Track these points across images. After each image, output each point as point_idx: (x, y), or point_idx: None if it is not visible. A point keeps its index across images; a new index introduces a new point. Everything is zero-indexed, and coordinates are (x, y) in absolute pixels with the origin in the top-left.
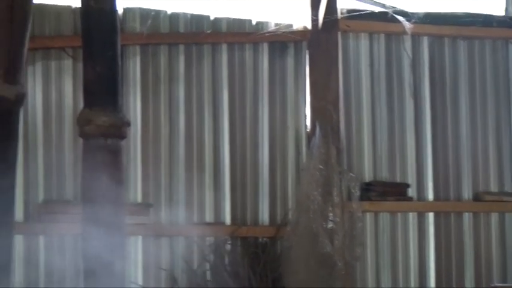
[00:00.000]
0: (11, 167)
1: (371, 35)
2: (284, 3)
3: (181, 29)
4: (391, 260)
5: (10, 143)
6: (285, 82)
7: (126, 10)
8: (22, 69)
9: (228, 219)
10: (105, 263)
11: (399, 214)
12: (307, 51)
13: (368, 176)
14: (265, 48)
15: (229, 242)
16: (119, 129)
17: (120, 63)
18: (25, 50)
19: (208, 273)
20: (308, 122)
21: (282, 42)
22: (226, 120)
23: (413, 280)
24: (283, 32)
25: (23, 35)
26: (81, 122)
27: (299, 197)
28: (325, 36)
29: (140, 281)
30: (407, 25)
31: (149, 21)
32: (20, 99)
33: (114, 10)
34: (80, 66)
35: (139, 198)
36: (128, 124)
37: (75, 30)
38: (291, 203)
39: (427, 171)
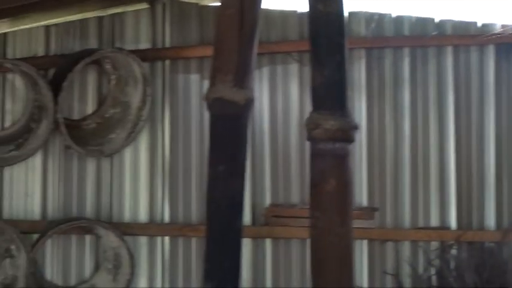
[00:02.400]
0: (240, 170)
1: None
2: (511, 4)
3: (406, 32)
4: None
5: (240, 147)
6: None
7: (351, 14)
8: (251, 74)
9: (453, 224)
10: (333, 269)
11: None
12: None
13: None
14: (491, 50)
15: (454, 247)
16: (347, 133)
17: (347, 67)
18: (254, 55)
19: (433, 278)
20: None
21: (508, 43)
22: (451, 123)
23: None
24: (510, 34)
25: (251, 40)
26: (309, 126)
27: None
28: None
29: (365, 284)
30: None
31: (374, 25)
32: (248, 103)
33: (341, 14)
34: (306, 70)
35: (364, 202)
36: (356, 128)
37: (300, 35)
38: None
39: None
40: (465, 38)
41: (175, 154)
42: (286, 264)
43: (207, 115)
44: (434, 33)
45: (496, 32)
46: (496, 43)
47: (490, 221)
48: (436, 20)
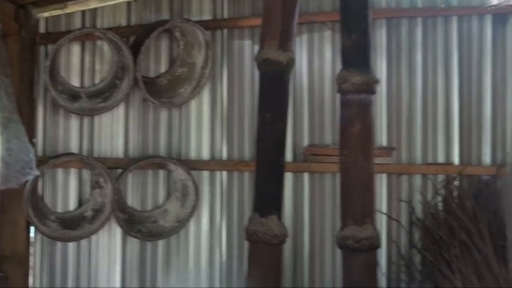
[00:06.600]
0: (283, 116)
1: None
2: None
3: (419, 5)
4: None
5: (283, 98)
6: (506, 50)
7: None
8: (293, 39)
9: (456, 160)
10: (359, 195)
11: None
12: None
13: None
14: (489, 19)
15: (457, 179)
16: (370, 86)
17: (371, 33)
18: (295, 24)
19: (439, 205)
20: None
21: (503, 14)
22: (456, 79)
23: None
24: (505, 5)
25: (293, 12)
26: (340, 81)
27: None
28: None
29: (384, 209)
30: None
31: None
32: (290, 63)
33: None
34: (338, 36)
35: (384, 142)
36: (377, 82)
37: (334, 7)
38: (509, 147)
39: None
40: (467, 9)
41: (231, 104)
42: (320, 194)
43: (257, 73)
44: (442, 5)
45: (493, 4)
46: (493, 13)
47: (486, 157)
48: None
